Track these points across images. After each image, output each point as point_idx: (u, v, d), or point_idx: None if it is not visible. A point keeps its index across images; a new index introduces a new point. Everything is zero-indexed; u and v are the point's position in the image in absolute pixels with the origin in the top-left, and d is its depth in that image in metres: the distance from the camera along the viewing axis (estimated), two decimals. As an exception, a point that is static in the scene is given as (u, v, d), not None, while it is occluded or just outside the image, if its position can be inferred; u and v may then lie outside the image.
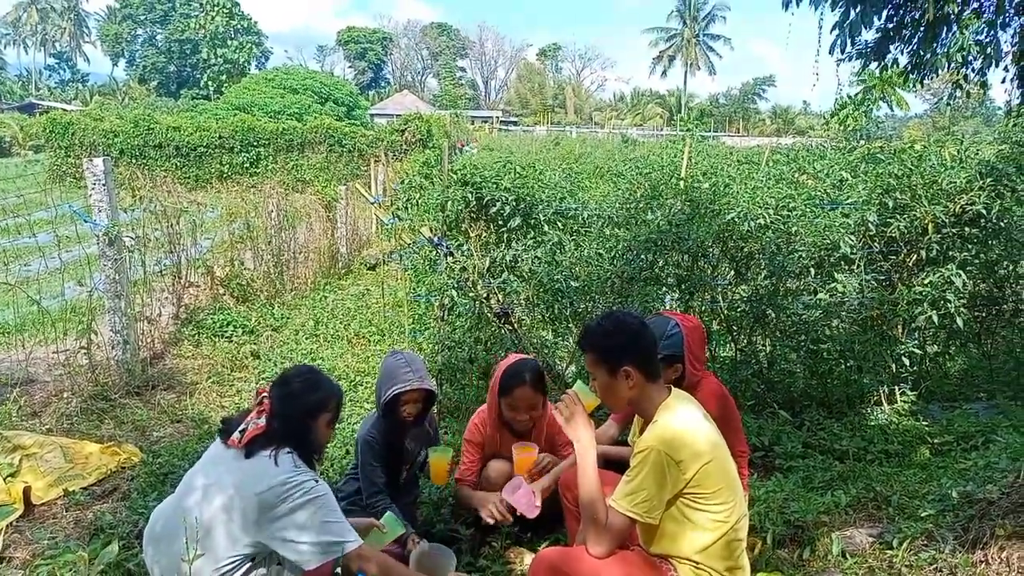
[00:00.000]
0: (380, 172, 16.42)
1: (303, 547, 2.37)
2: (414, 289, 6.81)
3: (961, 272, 4.69)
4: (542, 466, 3.30)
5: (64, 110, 29.75)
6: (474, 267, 5.26)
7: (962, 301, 4.75)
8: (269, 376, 5.73)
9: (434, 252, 5.75)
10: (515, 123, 59.95)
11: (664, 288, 5.25)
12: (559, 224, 5.73)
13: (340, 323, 7.69)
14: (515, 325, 5.36)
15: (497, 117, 56.52)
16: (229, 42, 61.40)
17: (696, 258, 5.14)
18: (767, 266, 4.96)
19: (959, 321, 4.74)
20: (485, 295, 5.32)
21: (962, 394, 5.52)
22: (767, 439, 4.40)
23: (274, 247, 9.17)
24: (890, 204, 5.01)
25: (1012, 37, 4.21)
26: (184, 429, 4.97)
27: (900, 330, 5.14)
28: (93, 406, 5.05)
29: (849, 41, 3.95)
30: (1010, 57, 4.33)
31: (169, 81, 66.35)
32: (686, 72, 72.38)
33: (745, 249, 5.06)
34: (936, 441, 4.44)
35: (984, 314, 5.79)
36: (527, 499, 3.07)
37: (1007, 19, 4.11)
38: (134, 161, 20.86)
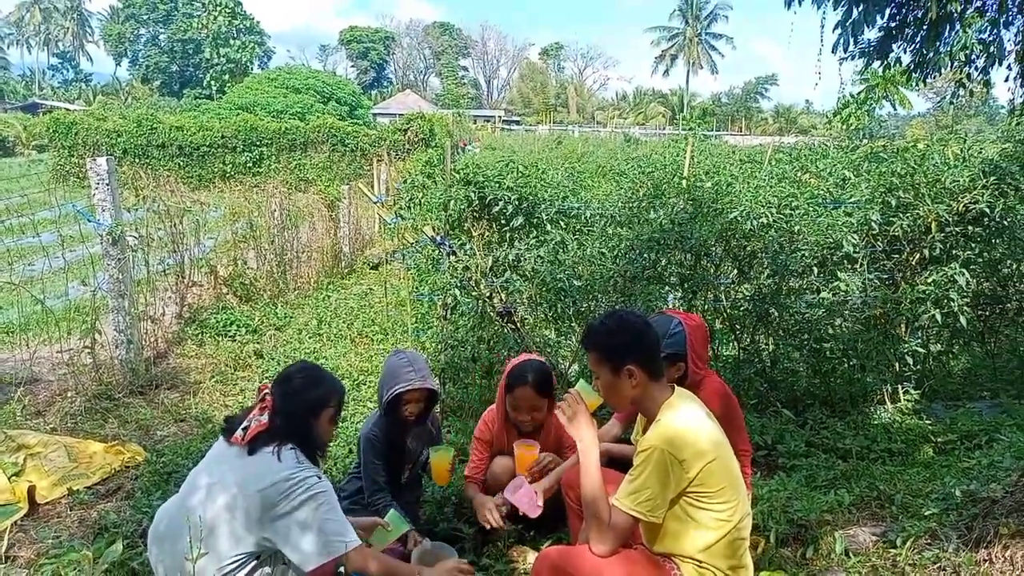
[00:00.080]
0: (383, 171, 16.43)
1: (305, 546, 2.38)
2: (417, 288, 6.82)
3: (964, 271, 4.69)
4: (543, 464, 3.31)
5: (67, 110, 29.83)
6: (477, 266, 5.26)
7: (965, 300, 4.74)
8: (273, 375, 5.74)
9: (437, 251, 5.75)
10: (517, 122, 59.94)
11: (667, 287, 5.25)
12: (562, 223, 5.73)
13: (343, 322, 7.70)
14: (518, 324, 5.36)
15: (499, 116, 56.47)
16: (232, 42, 61.48)
17: (699, 257, 5.14)
18: (770, 265, 4.96)
19: (962, 320, 4.73)
20: (488, 294, 5.32)
21: (965, 393, 5.51)
22: (770, 438, 4.39)
23: (277, 246, 9.18)
24: (893, 203, 5.00)
25: (1015, 35, 4.20)
26: (188, 428, 4.98)
27: (903, 329, 5.13)
28: (97, 405, 5.06)
29: (852, 40, 3.94)
30: (1013, 56, 4.31)
31: (172, 81, 66.43)
32: (688, 71, 72.41)
33: (748, 248, 5.06)
34: (939, 440, 4.44)
35: (987, 313, 5.79)
36: (529, 499, 3.08)
37: (1010, 17, 4.10)
38: (137, 161, 20.88)
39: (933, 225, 4.93)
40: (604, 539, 2.31)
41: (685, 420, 2.33)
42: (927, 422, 4.69)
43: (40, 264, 6.28)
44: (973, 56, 4.25)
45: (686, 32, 71.63)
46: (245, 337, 7.02)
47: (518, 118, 64.55)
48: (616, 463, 3.11)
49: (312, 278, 9.96)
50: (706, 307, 5.25)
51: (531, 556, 3.17)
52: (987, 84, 4.64)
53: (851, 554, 3.06)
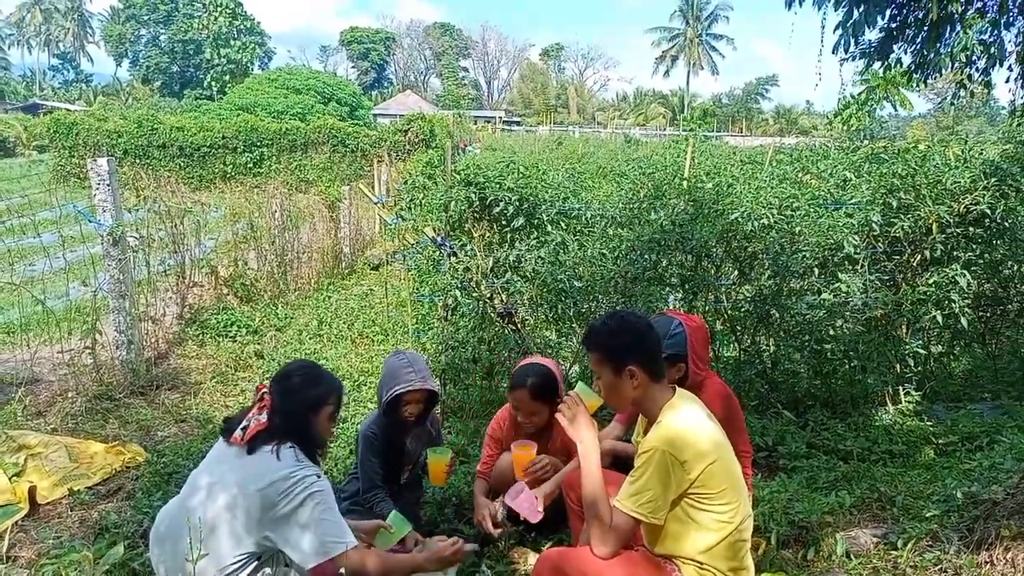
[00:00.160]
0: (383, 172, 16.43)
1: (305, 545, 2.38)
2: (417, 289, 6.82)
3: (965, 272, 4.69)
4: (540, 465, 3.29)
5: (68, 110, 29.80)
6: (477, 267, 5.25)
7: (966, 301, 4.74)
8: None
9: (437, 252, 5.75)
10: (518, 123, 59.94)
11: (668, 288, 5.25)
12: (562, 224, 5.73)
13: (344, 323, 7.70)
14: (519, 325, 5.36)
15: (500, 117, 56.48)
16: (232, 42, 61.49)
17: (700, 258, 5.14)
18: (771, 266, 4.96)
19: (963, 321, 4.74)
20: (488, 295, 5.32)
21: (967, 394, 5.51)
22: (771, 439, 4.39)
23: (278, 247, 9.18)
24: (894, 204, 5.00)
25: (1016, 36, 4.21)
26: (188, 429, 4.98)
27: (904, 330, 5.13)
28: (98, 406, 5.06)
29: (852, 41, 3.94)
30: (1014, 56, 4.32)
31: (172, 81, 66.44)
32: (689, 72, 72.40)
33: (749, 249, 5.06)
34: (941, 441, 4.44)
35: (988, 314, 5.79)
36: (530, 504, 3.07)
37: (1011, 18, 4.10)
38: (138, 161, 20.87)
39: (934, 226, 4.93)
40: (605, 541, 2.31)
41: (686, 421, 2.33)
42: (928, 424, 4.68)
43: (41, 264, 6.28)
44: (974, 57, 4.26)
45: (687, 33, 71.63)
46: (246, 338, 7.02)
47: (518, 119, 64.55)
48: (621, 462, 3.11)
49: (313, 279, 9.96)
50: (707, 308, 5.25)
51: (532, 557, 3.17)
52: (988, 85, 4.64)
53: (852, 556, 3.06)
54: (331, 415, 2.68)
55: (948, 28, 3.90)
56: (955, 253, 4.98)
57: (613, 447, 3.30)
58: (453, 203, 5.55)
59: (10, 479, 3.76)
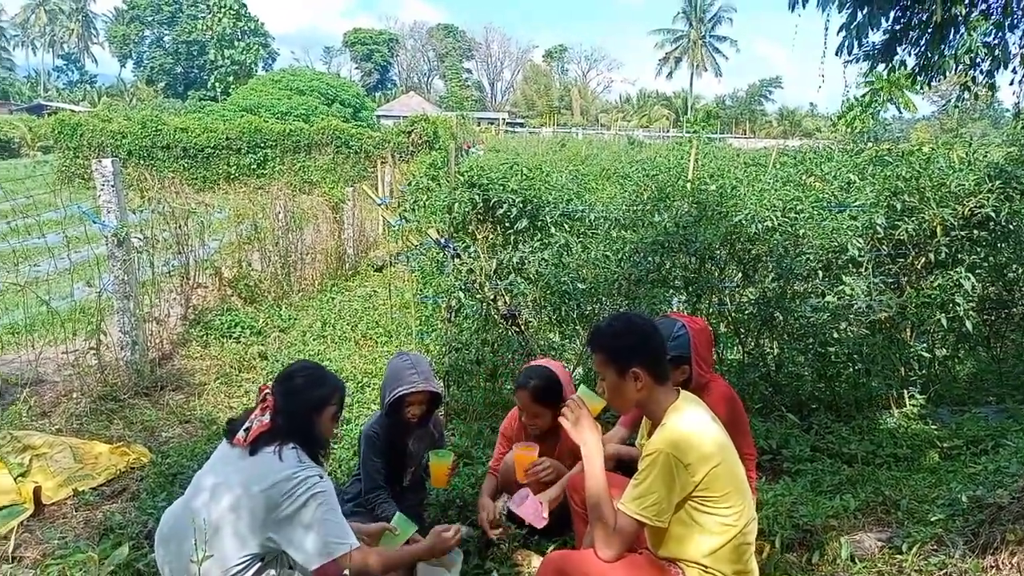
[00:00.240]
0: (387, 173, 16.46)
1: (308, 546, 2.38)
2: (421, 291, 6.83)
3: (970, 275, 4.68)
4: (540, 467, 3.28)
5: (72, 111, 29.91)
6: (481, 269, 5.26)
7: (971, 304, 4.73)
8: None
9: (441, 254, 5.75)
10: (521, 124, 59.96)
11: (671, 290, 5.25)
12: (566, 226, 5.73)
13: (347, 324, 7.71)
14: (522, 327, 5.35)
15: (503, 119, 56.52)
16: (236, 43, 61.57)
17: (703, 260, 5.13)
18: (775, 268, 4.95)
19: (968, 324, 4.72)
20: (492, 297, 5.32)
21: (971, 398, 5.49)
22: (775, 442, 4.38)
23: (281, 248, 9.20)
24: (898, 207, 4.99)
25: (1020, 39, 4.21)
26: (193, 430, 4.99)
27: (909, 333, 5.12)
28: (102, 406, 5.07)
29: (856, 43, 3.94)
30: (1018, 59, 4.32)
31: (176, 82, 66.60)
32: (692, 74, 72.42)
33: (752, 251, 5.05)
34: (945, 445, 4.43)
35: (993, 317, 5.78)
36: (534, 509, 3.07)
37: (1015, 21, 4.10)
38: (142, 162, 20.92)
39: (938, 229, 4.92)
40: (610, 543, 2.30)
41: (690, 424, 2.33)
42: (933, 427, 4.67)
43: (46, 265, 6.31)
44: (978, 59, 4.25)
45: (690, 35, 71.65)
46: (249, 339, 7.03)
47: (522, 120, 64.59)
48: (625, 465, 3.11)
49: (316, 280, 9.97)
50: (710, 310, 5.24)
51: (536, 560, 3.17)
52: (992, 87, 4.63)
53: (857, 560, 3.05)
54: (334, 415, 2.68)
55: (952, 30, 3.90)
56: (960, 256, 4.97)
57: (617, 451, 3.30)
58: (457, 205, 5.55)
59: (15, 479, 3.77)
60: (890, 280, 5.09)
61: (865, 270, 4.94)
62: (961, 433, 4.52)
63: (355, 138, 24.05)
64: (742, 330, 5.27)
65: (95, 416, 4.93)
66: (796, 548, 3.21)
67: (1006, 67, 4.27)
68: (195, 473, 2.62)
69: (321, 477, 2.46)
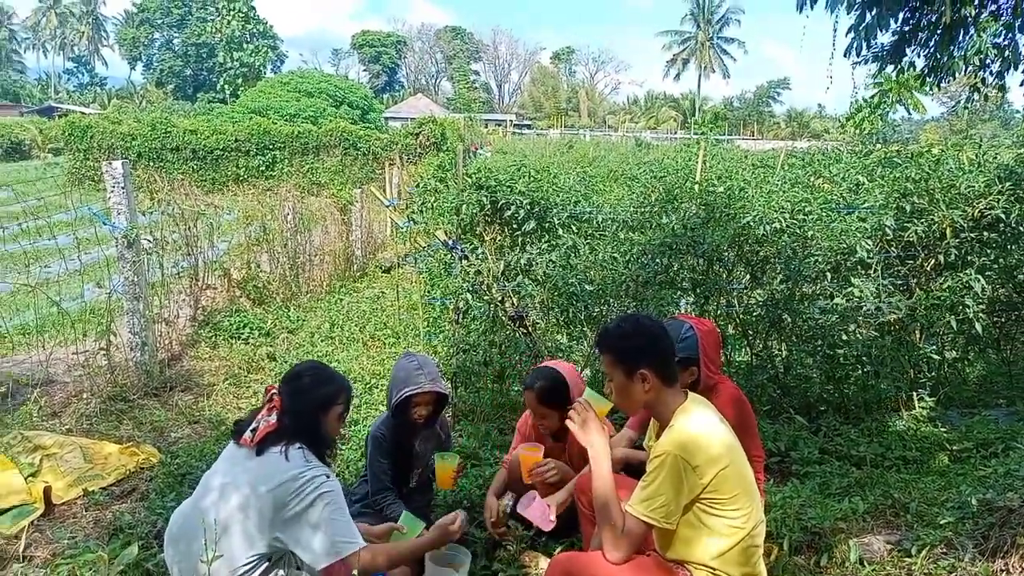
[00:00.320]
0: (395, 175, 16.48)
1: (316, 546, 2.39)
2: (429, 292, 6.83)
3: (980, 277, 4.66)
4: (543, 468, 3.28)
5: (82, 113, 30.06)
6: (489, 270, 5.26)
7: (981, 306, 4.71)
8: (285, 378, 5.77)
9: (449, 255, 5.77)
10: (528, 126, 59.98)
11: (679, 292, 5.24)
12: (573, 228, 5.74)
13: (355, 325, 7.72)
14: (529, 328, 5.36)
15: (511, 120, 56.55)
16: (245, 46, 61.84)
17: (711, 262, 5.13)
18: (783, 270, 4.94)
19: (978, 326, 4.70)
20: (500, 298, 5.32)
21: (981, 400, 5.47)
22: (783, 444, 4.37)
23: (290, 250, 9.22)
24: (907, 208, 4.98)
25: (1031, 40, 4.18)
26: (201, 430, 5.00)
27: (918, 335, 5.10)
28: (112, 407, 5.10)
29: (864, 44, 3.93)
30: (1028, 60, 4.29)
31: (186, 84, 66.90)
32: (700, 75, 72.24)
33: (761, 253, 5.04)
34: (955, 448, 4.41)
35: (1003, 319, 5.75)
36: (542, 512, 3.07)
37: (1026, 22, 4.08)
38: (151, 164, 21.01)
39: (948, 231, 4.90)
40: (618, 546, 2.30)
41: (699, 426, 2.33)
42: (942, 430, 4.65)
43: (56, 266, 6.34)
44: (988, 60, 4.24)
45: (698, 36, 71.51)
46: (258, 340, 7.05)
47: (529, 122, 64.60)
48: (632, 468, 3.11)
49: (324, 281, 10.00)
50: (718, 312, 5.23)
51: (543, 562, 3.17)
52: (1002, 88, 4.62)
53: (865, 563, 3.04)
54: (340, 415, 2.69)
55: (962, 31, 3.88)
56: (969, 258, 4.96)
57: (627, 455, 3.29)
58: (464, 206, 5.56)
59: (26, 479, 3.79)
60: (899, 282, 5.08)
61: (874, 272, 4.93)
62: (971, 436, 4.50)
63: (363, 140, 24.09)
64: (750, 332, 5.26)
65: (105, 416, 4.96)
66: (804, 551, 3.20)
67: (1016, 68, 4.25)
68: (204, 473, 2.63)
69: (328, 477, 2.47)
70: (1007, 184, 4.85)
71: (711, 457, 2.26)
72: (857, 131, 30.13)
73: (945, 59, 4.05)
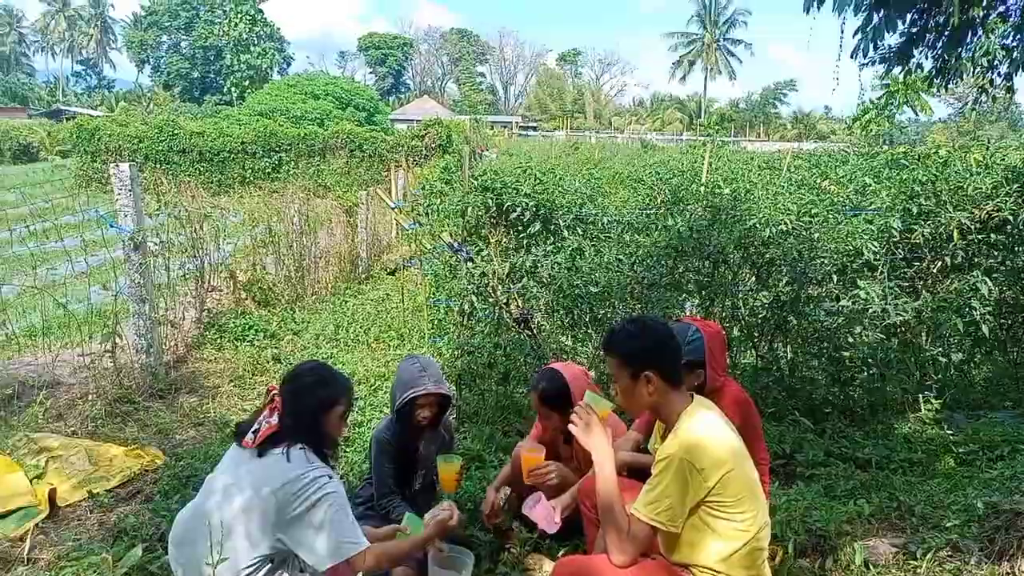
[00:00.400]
0: (400, 177, 16.50)
1: (319, 547, 2.39)
2: (434, 294, 6.84)
3: (987, 279, 4.64)
4: (542, 470, 3.27)
5: (90, 116, 30.19)
6: (494, 272, 5.26)
7: (988, 308, 4.69)
8: (290, 380, 5.77)
9: (454, 257, 5.77)
10: (534, 128, 60.02)
11: (684, 294, 5.23)
12: (579, 230, 5.73)
13: (360, 327, 7.72)
14: (534, 330, 5.35)
15: (516, 122, 56.60)
16: (252, 48, 62.10)
17: (717, 264, 5.12)
18: (789, 272, 4.93)
19: (984, 328, 4.68)
20: (505, 300, 5.32)
21: (987, 403, 5.44)
22: (788, 447, 4.36)
23: (295, 252, 9.24)
24: (914, 210, 4.96)
25: (1039, 41, 4.16)
26: (206, 432, 5.01)
27: (924, 337, 5.08)
28: (117, 409, 5.11)
29: (872, 45, 3.91)
30: (1036, 62, 4.27)
31: (193, 87, 67.22)
32: (706, 77, 72.22)
33: (767, 255, 5.03)
34: (961, 450, 4.38)
35: (1010, 321, 5.71)
36: (547, 514, 3.06)
37: (1034, 23, 4.06)
38: (159, 166, 21.07)
39: (955, 233, 4.88)
40: (623, 549, 2.30)
41: (704, 428, 2.32)
42: (948, 432, 4.63)
43: (63, 269, 6.37)
44: (996, 62, 4.23)
45: (704, 38, 71.48)
46: (263, 342, 7.06)
47: (535, 124, 64.64)
48: (635, 472, 3.10)
49: (330, 283, 10.01)
50: (724, 314, 5.22)
51: (548, 565, 3.17)
52: (1010, 90, 4.61)
53: (870, 565, 3.02)
54: (342, 415, 2.68)
55: (969, 32, 3.87)
56: (976, 260, 4.94)
57: (635, 459, 3.28)
58: (470, 208, 5.57)
59: (31, 481, 3.80)
60: (906, 284, 5.06)
61: (880, 274, 4.91)
62: (977, 438, 4.47)
63: (369, 142, 24.14)
64: (756, 334, 5.25)
65: (110, 418, 4.97)
66: (809, 554, 3.19)
67: (1024, 69, 4.23)
68: (208, 475, 2.64)
69: (330, 478, 2.47)
70: (1014, 186, 4.83)
71: (716, 460, 2.25)
72: (864, 133, 30.09)
73: (953, 60, 4.04)
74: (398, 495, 3.36)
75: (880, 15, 3.75)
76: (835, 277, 4.99)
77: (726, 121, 58.07)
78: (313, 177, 20.81)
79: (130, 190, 5.44)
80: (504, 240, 5.67)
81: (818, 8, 3.95)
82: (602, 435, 2.45)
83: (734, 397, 3.17)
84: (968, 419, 4.97)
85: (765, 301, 5.09)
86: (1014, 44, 4.12)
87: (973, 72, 4.29)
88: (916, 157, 6.39)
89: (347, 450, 4.57)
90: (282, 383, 2.63)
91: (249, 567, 2.39)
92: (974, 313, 4.63)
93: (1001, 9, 3.98)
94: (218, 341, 6.92)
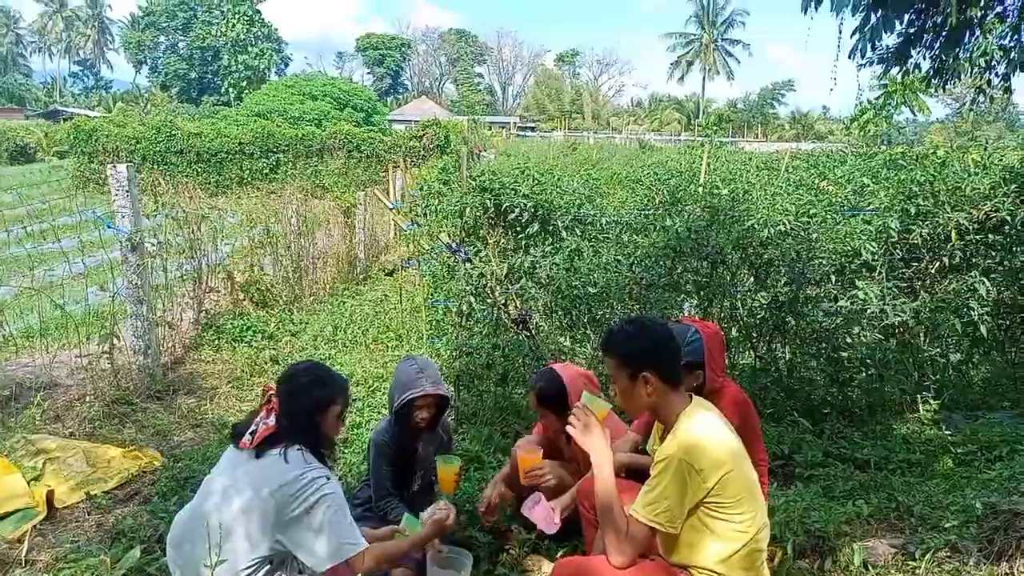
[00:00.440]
0: (398, 178, 16.49)
1: (319, 549, 2.39)
2: (432, 295, 6.84)
3: (985, 279, 4.65)
4: (538, 472, 3.26)
5: (88, 116, 30.14)
6: (492, 273, 5.26)
7: (986, 308, 4.70)
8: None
9: (452, 258, 5.76)
10: (532, 128, 60.04)
11: (683, 295, 5.23)
12: (577, 230, 5.73)
13: (358, 328, 7.71)
14: (533, 331, 5.35)
15: (515, 123, 56.61)
16: (250, 49, 62.03)
17: (715, 265, 5.12)
18: (787, 273, 4.93)
19: (982, 329, 4.69)
20: (503, 301, 5.32)
21: (986, 403, 5.44)
22: (787, 447, 4.36)
23: (293, 252, 9.22)
24: (912, 210, 4.97)
25: (1036, 42, 4.17)
26: (204, 433, 5.00)
27: (923, 338, 5.08)
28: (115, 410, 5.10)
29: (870, 46, 3.92)
30: (1035, 62, 4.27)
31: (190, 88, 67.16)
32: (704, 77, 72.27)
33: (765, 256, 5.03)
34: (960, 451, 4.38)
35: (1008, 322, 5.71)
36: (546, 515, 3.06)
37: (1032, 23, 4.06)
38: (156, 167, 21.04)
39: (953, 233, 4.89)
40: (622, 550, 2.29)
41: (703, 429, 2.32)
42: (947, 432, 4.63)
43: (60, 270, 6.35)
44: (993, 62, 4.23)
45: (702, 38, 71.52)
46: (261, 343, 7.05)
47: (533, 124, 64.66)
48: (633, 473, 3.10)
49: (328, 284, 10.00)
50: (722, 315, 5.22)
51: (546, 566, 3.16)
52: (1008, 90, 4.61)
53: (869, 566, 3.02)
54: (339, 415, 2.68)
55: (967, 33, 3.87)
56: (974, 260, 4.94)
57: (633, 460, 3.28)
58: (468, 209, 5.57)
59: (28, 483, 3.79)
60: (904, 285, 5.06)
61: (879, 275, 4.92)
62: (975, 439, 4.47)
63: (367, 142, 24.12)
64: (754, 335, 5.25)
65: (108, 420, 4.96)
66: (808, 554, 3.19)
67: (1022, 70, 4.23)
68: (205, 477, 2.63)
69: (328, 478, 2.47)
70: (1012, 186, 4.84)
71: (715, 461, 2.25)
72: (862, 133, 30.12)
73: (951, 61, 4.05)
74: (396, 497, 3.37)
75: (878, 15, 3.75)
76: (833, 278, 5.00)
77: (724, 121, 58.04)
78: (311, 178, 20.82)
79: (127, 191, 5.43)
80: (502, 241, 5.67)
81: (816, 8, 3.96)
82: (600, 436, 2.45)
83: (733, 398, 3.17)
84: (966, 419, 4.97)
85: (763, 302, 5.09)
86: (1011, 44, 4.13)
87: (971, 72, 4.30)
88: (914, 157, 6.40)
89: (345, 451, 4.57)
90: (278, 383, 2.63)
91: (248, 568, 2.38)
92: (972, 313, 4.63)
93: (999, 9, 3.99)
94: (216, 342, 6.91)
